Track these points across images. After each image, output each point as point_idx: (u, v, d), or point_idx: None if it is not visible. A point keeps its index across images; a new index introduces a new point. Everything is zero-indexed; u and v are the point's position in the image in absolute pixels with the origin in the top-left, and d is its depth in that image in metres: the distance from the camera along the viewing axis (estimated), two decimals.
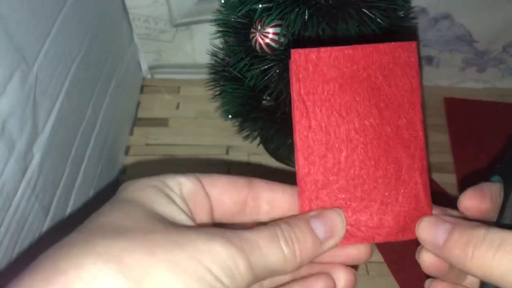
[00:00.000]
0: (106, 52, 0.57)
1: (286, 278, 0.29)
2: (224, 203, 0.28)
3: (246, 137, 0.60)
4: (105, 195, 0.56)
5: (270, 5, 0.45)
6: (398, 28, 0.48)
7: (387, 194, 0.28)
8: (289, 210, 0.28)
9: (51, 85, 0.42)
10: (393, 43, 0.28)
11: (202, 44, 0.63)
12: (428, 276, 0.29)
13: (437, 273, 0.28)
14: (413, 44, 0.28)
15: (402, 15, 0.51)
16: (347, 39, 0.44)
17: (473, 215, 0.28)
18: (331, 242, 0.27)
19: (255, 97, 0.55)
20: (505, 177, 0.28)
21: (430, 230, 0.27)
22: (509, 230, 0.24)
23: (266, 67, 0.48)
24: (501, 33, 0.64)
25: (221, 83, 0.56)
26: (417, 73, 0.28)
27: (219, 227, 0.25)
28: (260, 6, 0.45)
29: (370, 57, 0.28)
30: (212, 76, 0.57)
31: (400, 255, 0.54)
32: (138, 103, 0.70)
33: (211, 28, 0.52)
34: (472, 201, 0.27)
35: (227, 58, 0.56)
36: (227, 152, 0.65)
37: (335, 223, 0.27)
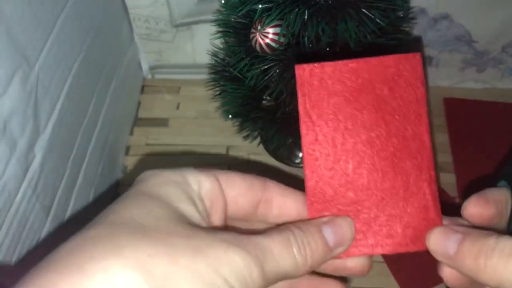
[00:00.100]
0: (107, 52, 0.57)
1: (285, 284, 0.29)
2: (239, 204, 0.28)
3: (246, 137, 0.60)
4: (105, 195, 0.56)
5: (270, 5, 0.45)
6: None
7: (395, 205, 0.28)
8: (297, 217, 0.29)
9: (52, 85, 0.43)
10: (397, 55, 0.28)
11: (202, 44, 0.64)
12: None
13: (461, 287, 0.27)
14: (417, 55, 0.28)
15: (401, 15, 0.51)
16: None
17: (478, 222, 0.27)
18: (339, 250, 0.27)
19: (255, 97, 0.55)
20: (511, 183, 0.28)
21: (441, 241, 0.26)
22: None
23: (266, 67, 0.48)
24: (501, 33, 0.64)
25: (221, 83, 0.56)
26: (422, 84, 0.28)
27: (228, 229, 0.25)
28: (260, 6, 0.46)
29: (374, 70, 0.28)
30: (212, 76, 0.57)
31: (400, 255, 0.54)
32: (139, 103, 0.70)
33: (211, 28, 0.52)
34: (477, 208, 0.27)
35: (227, 58, 0.56)
36: (227, 152, 0.65)
37: (345, 231, 0.27)
